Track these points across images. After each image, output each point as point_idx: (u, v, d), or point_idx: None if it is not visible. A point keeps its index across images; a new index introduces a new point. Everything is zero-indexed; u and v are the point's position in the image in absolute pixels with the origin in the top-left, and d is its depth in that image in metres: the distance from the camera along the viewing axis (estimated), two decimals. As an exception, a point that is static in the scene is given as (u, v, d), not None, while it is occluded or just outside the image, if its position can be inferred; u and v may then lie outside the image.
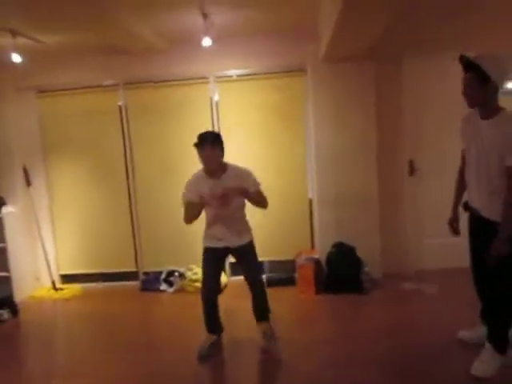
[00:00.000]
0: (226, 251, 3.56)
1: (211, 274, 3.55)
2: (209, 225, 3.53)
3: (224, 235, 3.47)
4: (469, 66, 2.82)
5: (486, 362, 2.94)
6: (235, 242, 3.50)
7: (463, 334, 3.39)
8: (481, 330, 3.19)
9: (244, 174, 3.44)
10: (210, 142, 3.27)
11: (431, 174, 5.00)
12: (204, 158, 3.32)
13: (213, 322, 3.61)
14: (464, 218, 3.20)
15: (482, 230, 2.95)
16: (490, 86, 2.73)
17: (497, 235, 2.73)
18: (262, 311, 3.59)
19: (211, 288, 3.56)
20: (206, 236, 3.56)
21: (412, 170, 5.01)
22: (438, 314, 4.00)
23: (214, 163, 3.34)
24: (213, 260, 3.55)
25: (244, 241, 3.53)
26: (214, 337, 3.61)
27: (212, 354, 3.49)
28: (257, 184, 3.45)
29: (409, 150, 4.99)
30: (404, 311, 4.12)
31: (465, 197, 3.18)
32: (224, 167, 3.40)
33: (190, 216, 3.41)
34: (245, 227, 3.58)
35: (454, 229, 3.29)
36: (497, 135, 2.74)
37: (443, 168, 4.89)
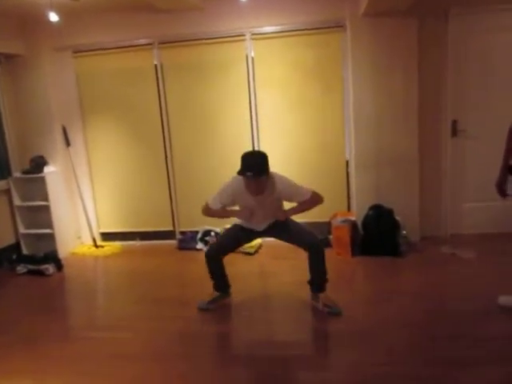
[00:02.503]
0: (256, 233, 3.57)
1: (225, 244, 3.63)
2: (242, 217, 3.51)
3: (258, 225, 3.51)
4: None
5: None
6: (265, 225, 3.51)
7: (503, 298, 3.31)
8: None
9: (291, 190, 3.33)
10: (253, 176, 3.12)
11: (475, 136, 4.79)
12: (249, 187, 3.25)
13: (216, 280, 3.68)
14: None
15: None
16: None
17: None
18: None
19: (217, 253, 3.60)
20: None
21: (455, 131, 4.81)
22: (475, 278, 3.90)
23: (259, 191, 3.27)
24: (236, 235, 3.60)
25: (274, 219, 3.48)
26: (217, 294, 3.70)
27: (210, 309, 3.63)
28: (306, 193, 3.34)
29: (452, 110, 4.77)
30: (441, 275, 4.05)
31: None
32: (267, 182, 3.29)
33: (211, 216, 3.51)
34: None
35: (503, 191, 3.16)
36: None
37: (489, 129, 4.69)
